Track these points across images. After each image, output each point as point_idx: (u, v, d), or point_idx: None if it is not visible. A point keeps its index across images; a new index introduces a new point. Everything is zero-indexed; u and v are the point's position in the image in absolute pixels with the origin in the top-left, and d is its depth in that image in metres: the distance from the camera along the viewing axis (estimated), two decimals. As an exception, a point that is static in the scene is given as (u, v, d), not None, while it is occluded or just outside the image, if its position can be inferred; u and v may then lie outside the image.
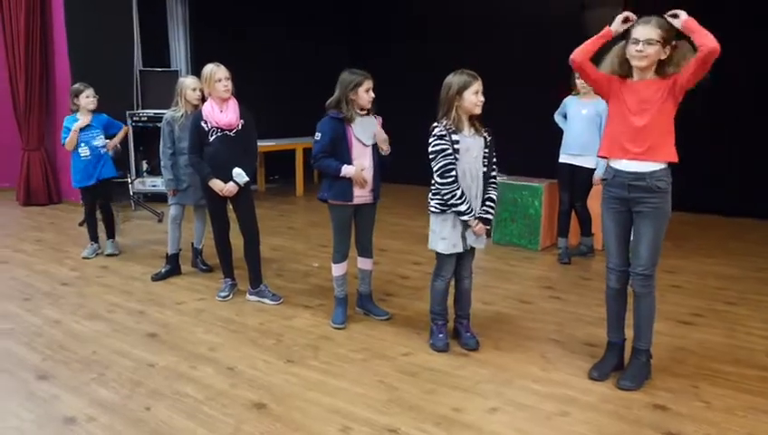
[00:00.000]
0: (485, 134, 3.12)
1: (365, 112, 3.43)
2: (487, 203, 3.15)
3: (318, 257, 5.10)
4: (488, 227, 3.19)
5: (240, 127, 3.81)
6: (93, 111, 4.91)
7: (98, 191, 5.01)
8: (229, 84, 3.76)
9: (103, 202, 5.09)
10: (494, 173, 3.19)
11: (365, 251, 3.67)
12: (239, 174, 3.76)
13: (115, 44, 7.42)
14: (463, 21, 8.44)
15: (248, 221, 3.92)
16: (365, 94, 3.35)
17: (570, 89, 4.92)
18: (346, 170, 3.35)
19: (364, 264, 3.70)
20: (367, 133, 3.42)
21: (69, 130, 4.81)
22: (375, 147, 3.47)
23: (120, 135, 5.23)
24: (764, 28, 6.44)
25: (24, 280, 4.44)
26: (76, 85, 4.91)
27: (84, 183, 4.93)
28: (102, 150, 4.94)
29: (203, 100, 4.07)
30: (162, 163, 4.39)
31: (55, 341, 3.35)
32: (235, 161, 3.78)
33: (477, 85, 3.03)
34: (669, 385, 2.86)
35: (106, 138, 5.01)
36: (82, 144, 4.85)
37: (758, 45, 6.51)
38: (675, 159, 2.67)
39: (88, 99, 4.83)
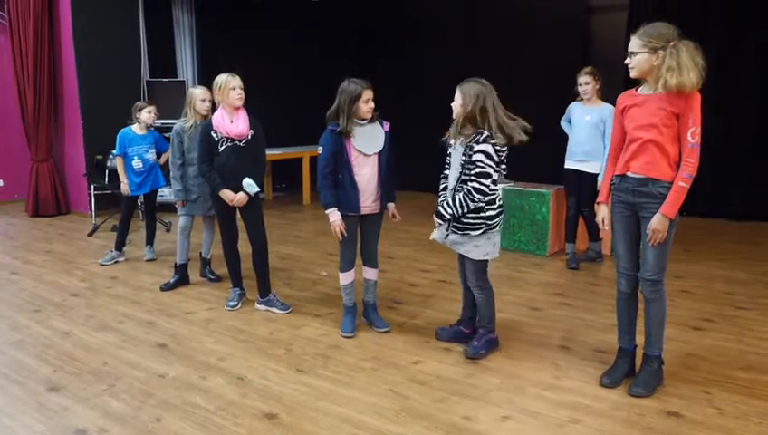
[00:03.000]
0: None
1: (366, 121, 3.40)
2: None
3: (326, 266, 5.10)
4: (440, 222, 3.20)
5: (250, 137, 3.83)
6: (148, 127, 5.22)
7: (149, 199, 5.31)
8: (242, 93, 3.79)
9: (151, 209, 5.37)
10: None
11: (370, 260, 3.66)
12: (249, 184, 3.78)
13: (122, 55, 7.47)
14: (470, 30, 8.46)
15: (257, 231, 3.94)
16: (364, 105, 3.33)
17: (574, 95, 4.91)
18: (330, 214, 3.41)
19: (369, 274, 3.69)
20: (369, 142, 3.41)
21: (124, 141, 5.08)
22: (380, 155, 3.45)
23: (167, 155, 5.32)
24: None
25: (34, 291, 4.47)
26: (140, 102, 5.27)
27: (139, 191, 5.20)
28: (152, 160, 5.21)
29: (213, 110, 4.10)
30: (171, 174, 4.41)
31: (65, 352, 3.37)
32: (245, 171, 3.79)
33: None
34: (682, 392, 2.84)
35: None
36: (135, 157, 5.12)
37: (765, 47, 6.49)
38: (669, 178, 2.65)
39: (150, 114, 5.14)
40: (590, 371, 3.06)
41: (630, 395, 2.79)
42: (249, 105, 3.91)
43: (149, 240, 5.37)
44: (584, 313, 3.95)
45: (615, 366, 2.97)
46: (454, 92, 3.13)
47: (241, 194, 3.80)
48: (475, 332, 3.36)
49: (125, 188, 5.13)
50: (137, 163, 5.12)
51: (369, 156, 3.42)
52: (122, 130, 5.13)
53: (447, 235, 3.19)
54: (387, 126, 3.49)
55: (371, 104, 3.36)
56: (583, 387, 2.91)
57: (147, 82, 7.75)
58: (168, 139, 4.54)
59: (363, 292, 3.74)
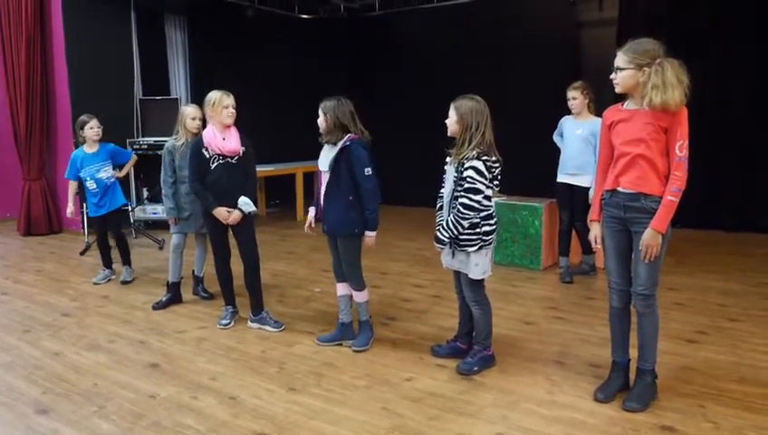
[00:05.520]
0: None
1: (329, 139, 3.42)
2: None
3: (320, 283, 5.08)
4: (441, 247, 3.21)
5: (241, 154, 3.83)
6: (99, 141, 4.98)
7: (109, 221, 5.06)
8: (234, 112, 3.81)
9: (115, 231, 5.12)
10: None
11: (347, 279, 3.62)
12: (246, 203, 3.79)
13: (115, 73, 7.48)
14: (461, 44, 8.52)
15: (249, 248, 3.92)
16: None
17: (568, 109, 4.93)
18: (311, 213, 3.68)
19: (354, 295, 3.64)
20: (323, 159, 3.47)
21: (75, 164, 4.93)
22: (334, 176, 3.41)
23: (129, 164, 5.26)
24: (763, 42, 6.49)
25: (24, 311, 4.42)
26: (81, 117, 4.97)
27: (95, 213, 5.03)
28: (110, 181, 4.98)
29: (204, 128, 4.11)
30: (163, 192, 4.40)
31: (55, 373, 3.33)
32: (237, 188, 3.80)
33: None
34: (676, 405, 2.83)
35: (114, 166, 5.06)
36: (88, 178, 4.92)
37: (757, 59, 6.56)
38: (659, 193, 2.65)
39: (92, 130, 4.91)
40: (584, 385, 3.05)
41: (625, 410, 2.78)
42: (242, 122, 3.92)
43: (125, 261, 5.19)
44: (578, 327, 3.94)
45: (609, 381, 2.96)
46: (445, 108, 3.15)
47: (236, 212, 3.79)
48: (472, 347, 3.34)
49: (68, 211, 4.99)
50: (90, 184, 4.91)
51: (323, 173, 3.48)
52: (74, 153, 4.98)
53: (453, 253, 3.19)
54: (349, 137, 3.39)
55: (319, 121, 3.43)
56: (578, 402, 2.89)
57: (140, 100, 7.76)
58: (160, 156, 4.52)
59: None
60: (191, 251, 4.70)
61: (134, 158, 5.33)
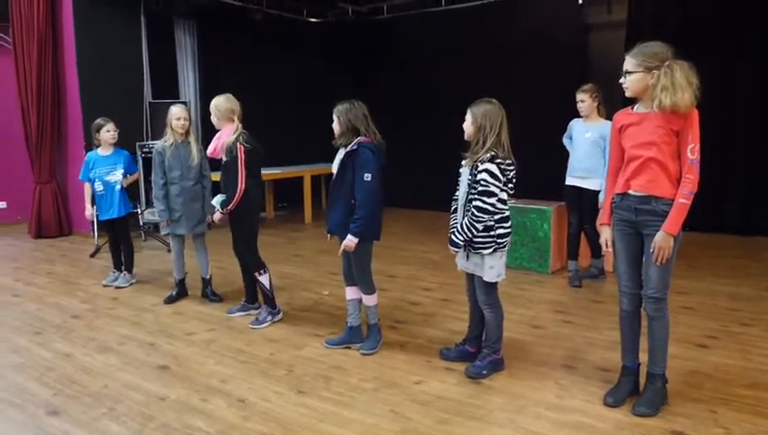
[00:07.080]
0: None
1: (341, 142, 3.46)
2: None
3: (327, 285, 5.09)
4: (455, 250, 3.18)
5: (222, 159, 3.96)
6: (115, 145, 5.02)
7: (117, 226, 5.09)
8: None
9: (122, 236, 5.14)
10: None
11: (356, 280, 3.63)
12: (215, 201, 4.03)
13: (125, 77, 7.53)
14: (468, 48, 8.50)
15: (240, 247, 4.13)
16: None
17: (578, 112, 4.92)
18: None
19: (349, 291, 3.68)
20: (336, 162, 3.51)
21: (88, 165, 4.98)
22: (339, 177, 3.45)
23: (132, 178, 5.22)
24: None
25: (35, 313, 4.45)
26: (97, 121, 5.00)
27: (102, 217, 5.06)
28: (117, 186, 4.97)
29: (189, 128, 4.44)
30: (154, 193, 4.44)
31: (66, 375, 3.35)
32: (227, 190, 3.96)
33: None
34: (687, 410, 2.81)
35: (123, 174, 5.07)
36: (96, 180, 4.96)
37: (765, 62, 6.52)
38: (671, 195, 2.64)
39: (108, 133, 4.94)
40: (593, 390, 3.04)
41: (634, 414, 2.76)
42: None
43: (126, 266, 5.20)
44: (587, 330, 3.93)
45: (618, 385, 2.94)
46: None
47: (217, 213, 4.02)
48: (481, 351, 3.34)
49: (87, 213, 5.07)
50: (98, 186, 4.94)
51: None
52: (88, 154, 5.04)
53: (468, 256, 3.19)
54: (358, 140, 3.40)
55: (334, 125, 3.47)
56: (586, 406, 2.88)
57: (149, 103, 7.81)
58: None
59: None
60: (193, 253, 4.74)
61: (137, 174, 5.41)
